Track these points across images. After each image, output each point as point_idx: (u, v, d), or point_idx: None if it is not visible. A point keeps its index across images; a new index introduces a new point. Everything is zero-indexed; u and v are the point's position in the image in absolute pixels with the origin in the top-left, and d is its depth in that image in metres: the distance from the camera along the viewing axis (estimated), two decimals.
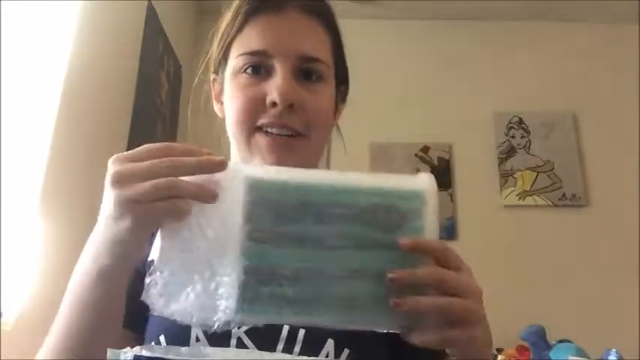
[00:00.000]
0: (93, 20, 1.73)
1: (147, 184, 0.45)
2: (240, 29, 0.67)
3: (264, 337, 0.62)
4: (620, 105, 2.94)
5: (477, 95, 2.99)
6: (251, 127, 0.65)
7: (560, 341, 2.12)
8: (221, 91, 0.72)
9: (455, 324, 0.47)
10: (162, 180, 0.45)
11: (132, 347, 0.61)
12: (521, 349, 2.17)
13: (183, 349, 0.45)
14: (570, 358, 1.93)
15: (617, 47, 3.03)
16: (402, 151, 2.92)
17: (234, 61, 0.67)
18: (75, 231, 1.56)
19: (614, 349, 1.96)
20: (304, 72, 0.66)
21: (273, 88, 0.63)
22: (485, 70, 3.04)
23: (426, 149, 2.93)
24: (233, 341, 0.62)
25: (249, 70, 0.65)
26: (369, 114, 2.65)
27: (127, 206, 0.46)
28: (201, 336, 0.62)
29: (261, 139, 0.65)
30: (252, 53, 0.65)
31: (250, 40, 0.66)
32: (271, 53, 0.64)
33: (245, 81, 0.66)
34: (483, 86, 3.01)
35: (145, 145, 0.48)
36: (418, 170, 2.86)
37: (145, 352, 0.43)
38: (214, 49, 0.72)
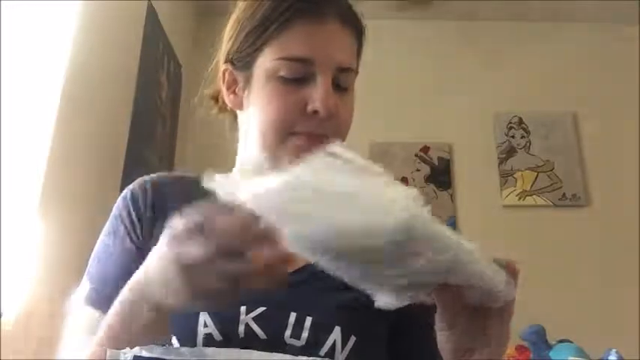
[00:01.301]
0: (93, 20, 1.72)
1: (216, 283, 0.44)
2: (281, 30, 0.66)
3: (271, 323, 0.63)
4: (620, 105, 2.94)
5: (477, 95, 2.99)
6: (287, 132, 0.67)
7: (560, 341, 2.12)
8: (235, 83, 0.72)
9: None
10: (230, 279, 0.44)
11: None
12: (521, 349, 2.17)
13: (184, 349, 0.45)
14: (570, 358, 1.93)
15: (617, 47, 3.03)
16: (402, 151, 2.92)
17: (272, 63, 0.66)
18: (75, 231, 1.57)
19: (614, 349, 1.96)
20: (338, 82, 0.68)
21: (316, 98, 0.65)
22: (485, 70, 3.04)
23: (426, 149, 2.93)
24: (241, 327, 0.63)
25: (288, 76, 0.66)
26: (369, 114, 2.64)
27: (193, 293, 0.46)
28: (209, 321, 0.62)
29: (296, 142, 0.66)
30: (294, 59, 0.66)
31: (292, 45, 0.66)
32: (314, 61, 0.66)
33: (284, 87, 0.66)
34: (483, 86, 3.01)
35: (218, 221, 0.45)
36: (418, 170, 2.88)
37: (144, 353, 0.43)
38: (235, 42, 0.71)
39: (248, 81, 0.70)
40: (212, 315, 0.63)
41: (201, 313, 0.63)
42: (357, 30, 0.73)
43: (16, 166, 1.33)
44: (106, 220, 0.75)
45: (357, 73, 0.73)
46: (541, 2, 2.96)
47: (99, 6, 1.77)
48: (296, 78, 0.66)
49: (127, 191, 0.74)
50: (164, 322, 0.53)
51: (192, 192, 0.72)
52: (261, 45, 0.67)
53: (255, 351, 0.48)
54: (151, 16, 2.28)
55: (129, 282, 0.53)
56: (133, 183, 0.75)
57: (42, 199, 1.42)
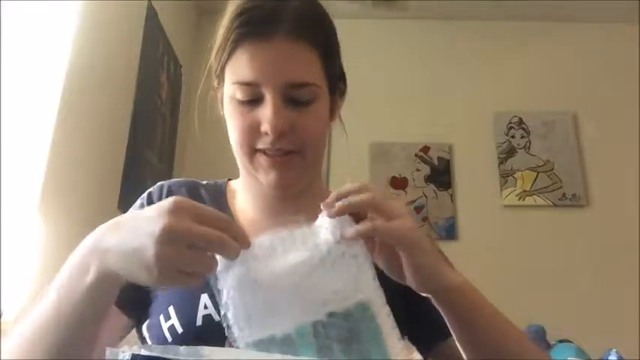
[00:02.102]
0: (93, 20, 1.72)
1: (189, 258, 0.49)
2: (230, 55, 0.68)
3: None
4: (620, 105, 2.94)
5: (476, 95, 2.99)
6: (251, 150, 0.70)
7: (560, 341, 2.12)
8: (221, 95, 0.75)
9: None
10: (203, 261, 0.50)
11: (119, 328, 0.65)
12: None
13: (182, 348, 0.45)
14: (570, 358, 1.93)
15: (617, 47, 3.03)
16: (402, 151, 2.92)
17: (229, 87, 0.69)
18: (75, 231, 1.56)
19: (614, 349, 1.96)
20: (294, 97, 0.67)
21: (264, 119, 0.66)
22: (485, 70, 3.04)
23: (426, 149, 2.93)
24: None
25: (242, 98, 0.68)
26: (369, 114, 2.65)
27: (160, 263, 0.48)
28: (209, 304, 0.67)
29: (261, 159, 0.69)
30: (243, 84, 0.67)
31: (240, 69, 0.67)
32: (260, 83, 0.66)
33: (240, 109, 0.69)
34: (483, 86, 3.01)
35: (209, 210, 0.52)
36: (418, 170, 2.88)
37: (143, 351, 0.43)
38: (213, 62, 0.74)
39: (222, 98, 0.74)
40: (212, 298, 0.67)
41: (202, 295, 0.67)
42: (315, 39, 0.69)
43: (16, 166, 1.33)
44: (106, 220, 0.76)
45: (322, 83, 0.70)
46: (541, 2, 2.96)
47: (99, 6, 1.77)
48: (250, 100, 0.67)
49: (146, 193, 0.80)
50: (109, 289, 0.55)
51: (197, 196, 0.80)
52: (222, 68, 0.70)
53: (253, 351, 0.48)
54: (151, 16, 2.28)
55: (82, 246, 0.56)
56: (152, 187, 0.82)
57: (42, 198, 1.42)
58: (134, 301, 0.71)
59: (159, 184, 0.82)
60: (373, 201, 0.55)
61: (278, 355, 0.45)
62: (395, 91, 2.99)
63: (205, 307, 0.66)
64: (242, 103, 0.68)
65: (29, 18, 1.42)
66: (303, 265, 0.52)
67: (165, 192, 0.79)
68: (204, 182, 0.84)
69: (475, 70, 3.04)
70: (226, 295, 0.52)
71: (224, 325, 0.52)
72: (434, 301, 0.59)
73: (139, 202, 0.80)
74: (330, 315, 0.51)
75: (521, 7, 2.99)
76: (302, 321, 0.50)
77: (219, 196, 0.81)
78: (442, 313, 0.59)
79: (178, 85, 2.71)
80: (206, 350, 0.46)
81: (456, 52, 3.08)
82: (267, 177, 0.70)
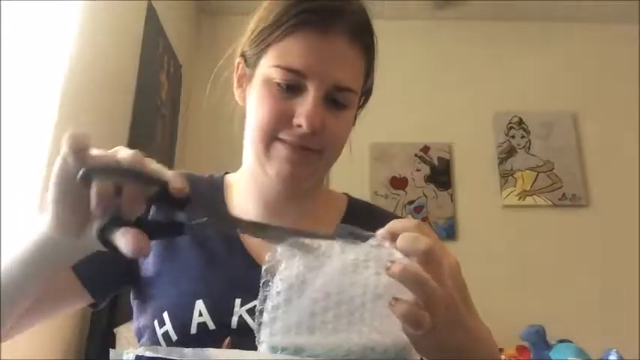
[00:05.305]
0: (93, 20, 1.72)
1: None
2: (282, 38, 0.66)
3: None
4: (620, 105, 2.94)
5: (477, 95, 2.99)
6: (270, 137, 0.67)
7: (560, 341, 2.12)
8: (244, 77, 0.73)
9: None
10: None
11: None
12: (521, 349, 2.17)
13: (187, 350, 0.45)
14: (570, 358, 1.93)
15: (617, 47, 3.03)
16: (402, 151, 2.92)
17: (269, 69, 0.66)
18: None
19: (614, 349, 1.96)
20: (333, 98, 0.67)
21: (302, 112, 0.64)
22: (485, 70, 3.04)
23: (426, 149, 2.93)
24: (235, 318, 0.65)
25: (282, 82, 0.66)
26: (369, 114, 2.64)
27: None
28: (204, 311, 0.65)
29: (281, 149, 0.67)
30: (289, 70, 0.65)
31: (290, 55, 0.65)
32: (308, 76, 0.65)
33: (276, 93, 0.66)
34: (483, 86, 3.01)
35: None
36: (418, 170, 2.88)
37: (147, 353, 0.43)
38: (247, 40, 0.72)
39: (250, 79, 0.71)
40: (207, 305, 0.65)
41: (196, 302, 0.66)
42: (367, 44, 0.69)
43: (16, 166, 1.33)
44: None
45: (359, 92, 0.71)
46: (541, 2, 2.96)
47: (99, 6, 1.77)
48: (289, 87, 0.65)
49: None
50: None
51: (194, 190, 0.78)
52: (265, 47, 0.68)
53: (259, 352, 0.48)
54: (151, 16, 2.28)
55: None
56: None
57: (42, 198, 1.42)
58: (100, 282, 0.71)
59: None
60: (430, 254, 0.43)
61: (282, 356, 0.45)
62: (395, 91, 2.98)
63: (200, 314, 0.65)
64: (279, 88, 0.66)
65: (29, 18, 1.42)
66: (352, 288, 0.47)
67: None
68: (199, 176, 0.82)
69: (475, 70, 3.04)
70: (277, 289, 0.47)
71: (257, 322, 0.47)
72: None
73: None
74: (367, 349, 0.46)
75: (522, 7, 2.99)
76: (336, 346, 0.46)
77: (215, 191, 0.79)
78: None
79: (178, 85, 2.71)
80: (211, 351, 0.46)
81: (456, 52, 3.08)
82: (280, 167, 0.67)
